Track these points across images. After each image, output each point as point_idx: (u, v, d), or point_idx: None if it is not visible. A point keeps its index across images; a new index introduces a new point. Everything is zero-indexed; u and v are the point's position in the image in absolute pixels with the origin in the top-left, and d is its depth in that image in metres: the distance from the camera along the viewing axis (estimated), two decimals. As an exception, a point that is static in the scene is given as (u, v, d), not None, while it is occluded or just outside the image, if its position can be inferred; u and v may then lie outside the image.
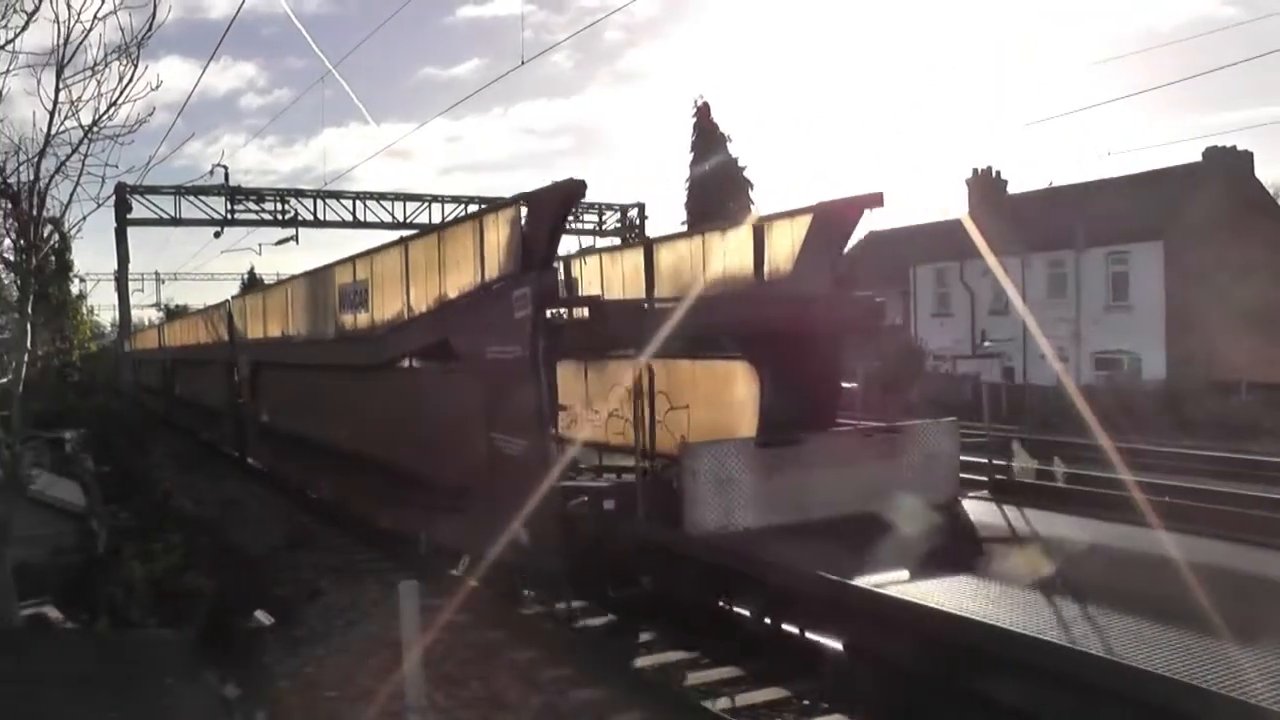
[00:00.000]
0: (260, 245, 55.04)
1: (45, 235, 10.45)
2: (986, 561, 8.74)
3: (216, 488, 22.58)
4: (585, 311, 11.31)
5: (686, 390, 12.89)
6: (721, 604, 9.92)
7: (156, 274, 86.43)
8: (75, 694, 7.76)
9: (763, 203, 67.21)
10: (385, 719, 8.46)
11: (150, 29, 9.14)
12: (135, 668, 8.45)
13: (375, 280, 15.05)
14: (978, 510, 10.82)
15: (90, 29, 8.80)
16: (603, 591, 10.92)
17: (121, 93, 9.18)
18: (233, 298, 28.70)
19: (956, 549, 8.98)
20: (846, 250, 12.98)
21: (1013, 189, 52.98)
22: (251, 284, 74.11)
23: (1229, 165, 43.99)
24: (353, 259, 16.37)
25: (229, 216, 49.91)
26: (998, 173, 52.82)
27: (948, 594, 7.56)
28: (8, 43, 8.88)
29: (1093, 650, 6.13)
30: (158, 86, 9.50)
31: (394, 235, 14.03)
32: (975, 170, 53.02)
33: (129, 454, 29.48)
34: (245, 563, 15.34)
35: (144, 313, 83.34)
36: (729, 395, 12.75)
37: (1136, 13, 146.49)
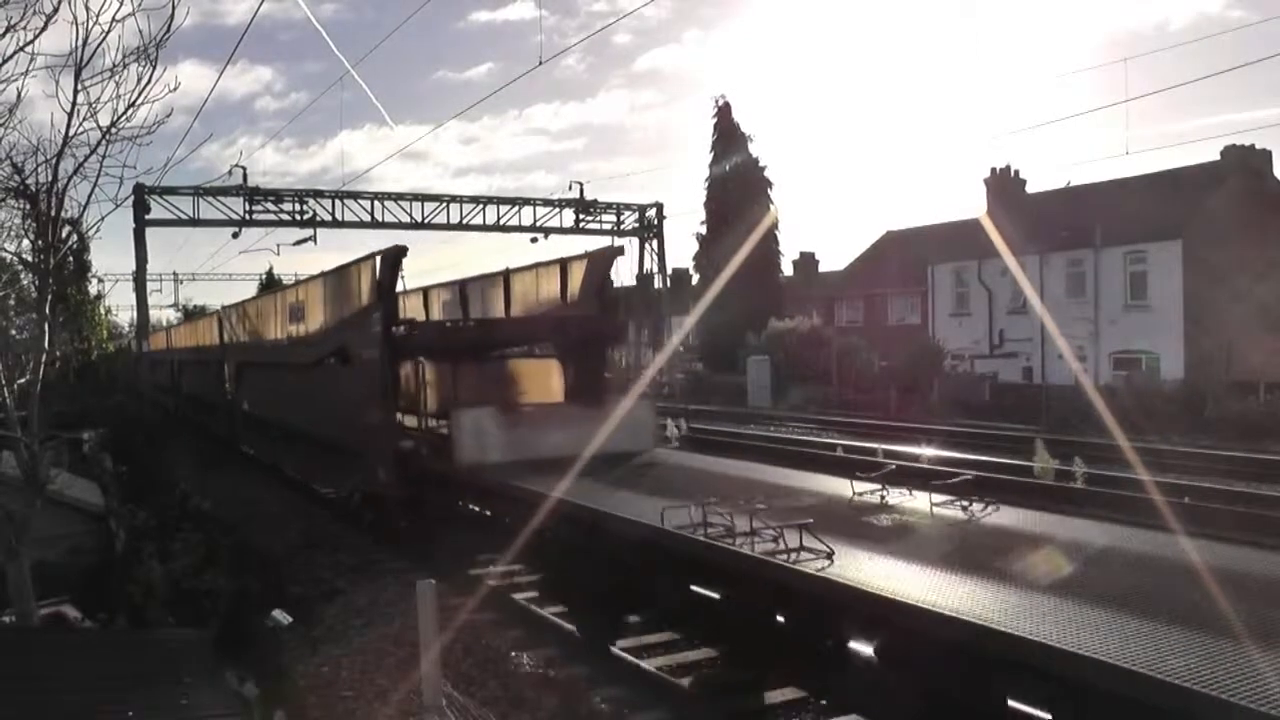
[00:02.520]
0: (278, 246, 55.12)
1: (64, 236, 10.46)
2: (625, 474, 12.65)
3: (233, 487, 22.64)
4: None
5: (527, 379, 18.28)
6: (473, 508, 14.52)
7: (175, 274, 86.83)
8: (93, 693, 7.78)
9: (782, 202, 67.25)
10: (403, 719, 8.47)
11: (169, 30, 9.11)
12: (154, 667, 8.46)
13: (309, 300, 20.12)
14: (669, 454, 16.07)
15: (109, 31, 8.78)
16: (431, 511, 15.20)
17: (140, 94, 9.16)
18: (223, 307, 33.37)
19: (616, 472, 12.78)
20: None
21: (1031, 188, 52.86)
22: (270, 284, 74.35)
23: (1248, 164, 43.79)
24: (296, 284, 22.81)
25: (247, 217, 49.95)
26: (1016, 172, 52.65)
27: (572, 488, 11.46)
28: (27, 44, 8.86)
29: (622, 513, 9.91)
30: (176, 88, 9.47)
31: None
32: (993, 170, 52.87)
33: (147, 454, 29.59)
34: (263, 562, 15.37)
35: (162, 313, 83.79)
36: (550, 381, 17.87)
37: (1147, 13, 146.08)
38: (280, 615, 11.80)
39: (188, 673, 8.33)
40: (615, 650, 10.79)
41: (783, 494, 10.87)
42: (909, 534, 8.93)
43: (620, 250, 17.74)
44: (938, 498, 10.16)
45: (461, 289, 20.97)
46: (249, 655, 10.35)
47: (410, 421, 17.16)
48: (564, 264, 17.51)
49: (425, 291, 23.14)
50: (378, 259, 15.44)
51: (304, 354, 20.10)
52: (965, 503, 9.89)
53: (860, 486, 10.84)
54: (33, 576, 10.15)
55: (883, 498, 10.43)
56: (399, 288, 16.87)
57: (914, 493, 10.46)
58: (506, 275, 19.19)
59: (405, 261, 15.47)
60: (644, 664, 10.46)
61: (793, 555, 7.87)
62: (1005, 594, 6.79)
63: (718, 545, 8.43)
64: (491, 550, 13.52)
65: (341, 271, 17.96)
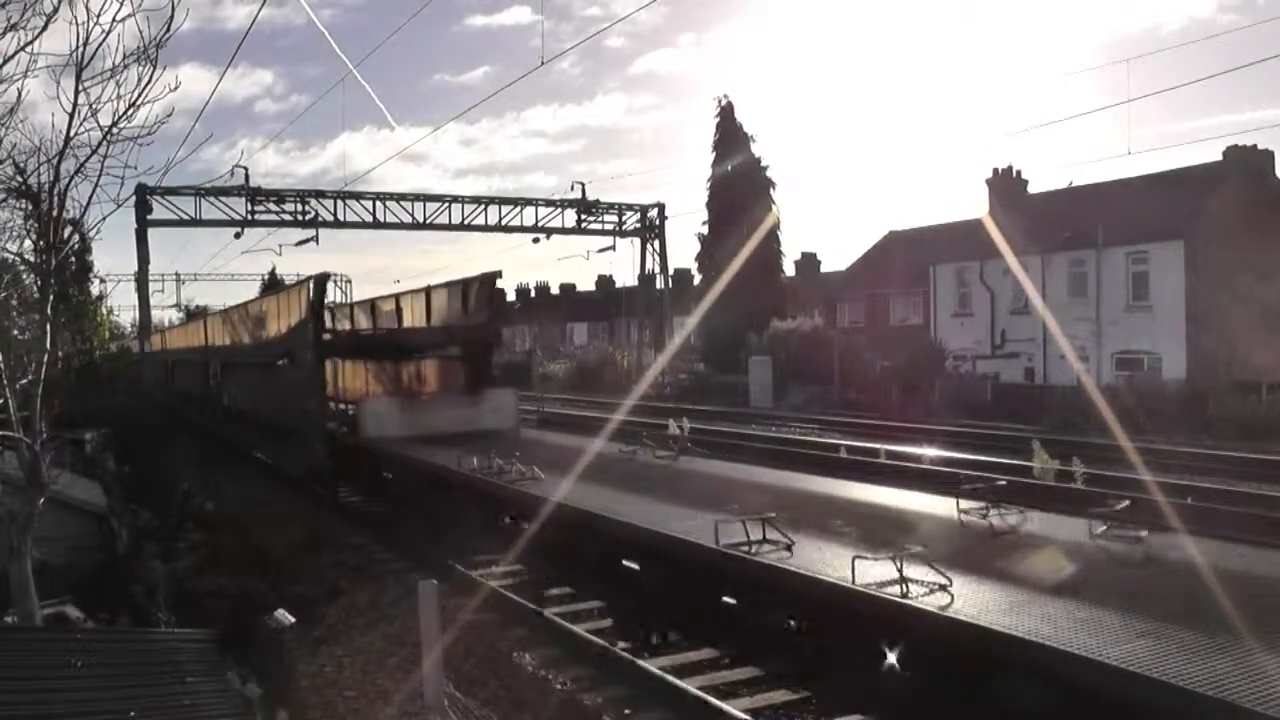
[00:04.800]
0: (280, 246, 55.35)
1: (66, 236, 10.45)
2: (476, 443, 15.94)
3: (235, 487, 22.65)
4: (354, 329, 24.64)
5: (436, 374, 23.61)
6: (378, 470, 18.47)
7: (177, 274, 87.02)
8: (94, 693, 7.78)
9: (785, 202, 67.16)
10: (405, 719, 8.47)
11: (169, 31, 9.09)
12: (155, 667, 8.45)
13: (268, 312, 24.51)
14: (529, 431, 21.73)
15: (109, 31, 8.76)
16: (349, 480, 20.04)
17: (140, 94, 9.15)
18: (208, 314, 40.14)
19: (494, 441, 16.25)
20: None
21: (1033, 188, 52.75)
22: (272, 284, 74.41)
23: (1249, 164, 43.70)
24: (259, 299, 28.59)
25: (249, 217, 49.99)
26: (1018, 172, 52.49)
27: (431, 451, 16.33)
28: (28, 44, 8.86)
29: (445, 463, 15.11)
30: (176, 87, 9.45)
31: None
32: (995, 170, 52.75)
33: (149, 453, 29.61)
34: (266, 562, 15.36)
35: (164, 313, 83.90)
36: (453, 376, 22.65)
37: (1138, 18, 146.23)
38: (282, 615, 11.78)
39: (190, 673, 8.34)
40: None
41: (570, 452, 15.87)
42: (624, 473, 13.36)
43: (499, 273, 21.69)
44: (661, 452, 15.26)
45: (397, 301, 25.43)
46: (251, 655, 10.34)
47: (342, 409, 23.07)
48: (465, 284, 21.66)
49: (372, 303, 28.17)
50: (310, 283, 20.12)
51: (265, 355, 24.72)
52: (675, 454, 15.21)
53: (623, 447, 16.40)
54: (35, 576, 10.16)
55: (634, 454, 15.66)
56: (350, 299, 22.31)
57: (656, 451, 15.55)
58: (428, 291, 23.49)
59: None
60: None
61: (520, 482, 12.57)
62: (642, 502, 10.97)
63: (479, 477, 13.29)
64: (493, 550, 13.63)
65: (288, 291, 23.36)
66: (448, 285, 22.46)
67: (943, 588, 6.97)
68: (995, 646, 6.15)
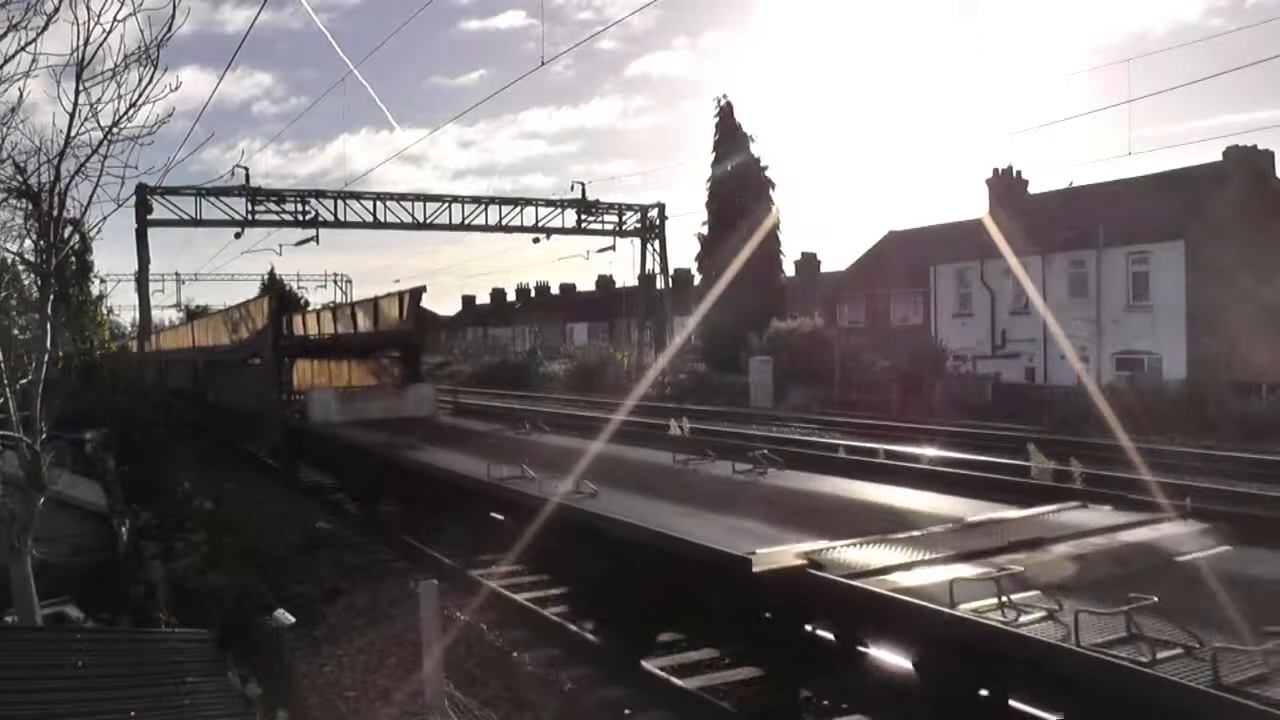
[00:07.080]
0: (280, 246, 55.44)
1: (66, 236, 10.42)
2: (408, 426, 19.59)
3: (235, 486, 22.63)
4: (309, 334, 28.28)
5: (378, 370, 27.35)
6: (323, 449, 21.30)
7: (177, 274, 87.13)
8: (94, 693, 7.78)
9: (785, 202, 67.18)
10: (405, 719, 8.47)
11: (169, 30, 9.07)
12: (155, 667, 8.45)
13: (244, 317, 29.26)
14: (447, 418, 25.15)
15: (110, 32, 8.74)
16: (302, 458, 23.48)
17: (141, 94, 9.12)
18: (197, 319, 46.35)
19: (409, 424, 19.73)
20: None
21: (1033, 189, 52.77)
22: (272, 284, 74.53)
23: (1250, 164, 43.72)
24: (235, 307, 32.51)
25: (249, 217, 49.98)
26: (1018, 172, 52.50)
27: (357, 431, 19.52)
28: (28, 44, 8.84)
29: (367, 439, 18.60)
30: (177, 88, 9.39)
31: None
32: (995, 170, 52.76)
33: (149, 453, 29.60)
34: (266, 562, 15.35)
35: (165, 313, 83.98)
36: (393, 371, 26.63)
37: (1127, 23, 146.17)
38: (282, 615, 11.79)
39: (190, 673, 8.34)
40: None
41: (459, 431, 19.85)
42: (482, 445, 16.22)
43: (424, 288, 24.39)
44: (550, 431, 18.79)
45: (353, 308, 28.46)
46: (251, 655, 10.35)
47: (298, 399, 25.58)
48: (402, 295, 24.28)
49: (335, 309, 31.41)
50: (269, 296, 25.72)
51: (241, 355, 29.21)
52: (527, 429, 18.87)
53: (506, 427, 19.92)
54: (35, 576, 10.15)
55: (502, 430, 19.22)
56: (350, 298, 26.77)
57: (541, 428, 18.90)
58: (375, 301, 26.22)
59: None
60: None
61: (407, 451, 16.04)
62: (478, 460, 13.26)
63: (382, 449, 16.88)
64: (495, 550, 13.66)
65: (256, 301, 28.92)
66: (389, 296, 25.77)
67: (593, 495, 9.94)
68: (588, 518, 9.51)
